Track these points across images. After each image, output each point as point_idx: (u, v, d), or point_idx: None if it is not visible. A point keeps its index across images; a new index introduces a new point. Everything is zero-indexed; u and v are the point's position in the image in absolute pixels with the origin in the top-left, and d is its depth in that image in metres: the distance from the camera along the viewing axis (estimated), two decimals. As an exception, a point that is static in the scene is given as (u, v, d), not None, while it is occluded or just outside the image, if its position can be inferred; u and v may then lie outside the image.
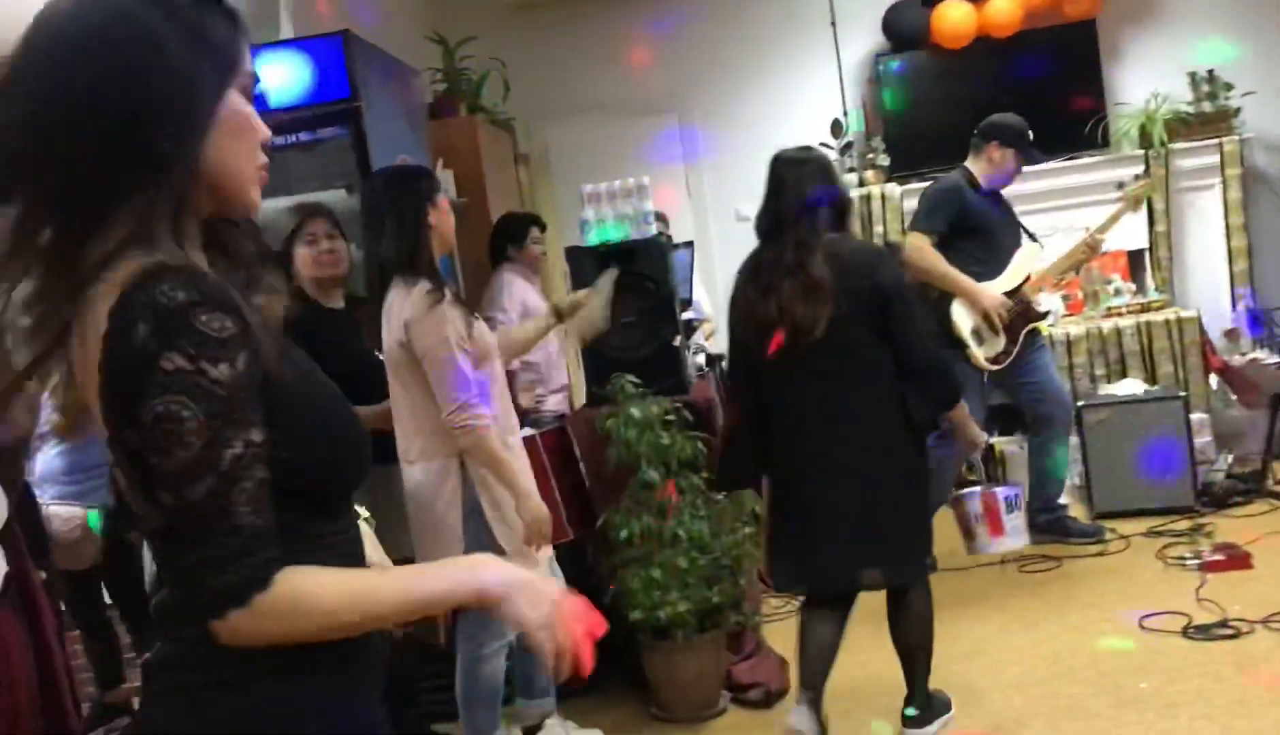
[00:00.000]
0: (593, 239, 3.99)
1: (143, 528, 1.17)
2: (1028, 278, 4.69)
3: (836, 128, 6.60)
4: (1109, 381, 5.67)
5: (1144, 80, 6.38)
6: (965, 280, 4.60)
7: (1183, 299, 6.26)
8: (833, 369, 3.06)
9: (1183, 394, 5.16)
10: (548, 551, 3.20)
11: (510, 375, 3.93)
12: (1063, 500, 4.93)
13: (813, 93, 6.76)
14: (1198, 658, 3.55)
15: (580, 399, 4.27)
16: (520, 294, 4.70)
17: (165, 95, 1.14)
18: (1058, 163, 6.19)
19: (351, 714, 1.25)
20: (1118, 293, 6.11)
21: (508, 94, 6.14)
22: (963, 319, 4.61)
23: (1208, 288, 6.30)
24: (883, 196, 6.42)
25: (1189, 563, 4.36)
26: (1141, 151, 6.26)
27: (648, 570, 3.49)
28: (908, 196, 6.16)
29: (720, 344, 5.58)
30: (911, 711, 3.26)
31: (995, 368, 4.66)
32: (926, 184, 5.01)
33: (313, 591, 1.15)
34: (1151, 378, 5.67)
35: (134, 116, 1.12)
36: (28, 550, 2.53)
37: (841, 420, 3.08)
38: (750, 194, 6.36)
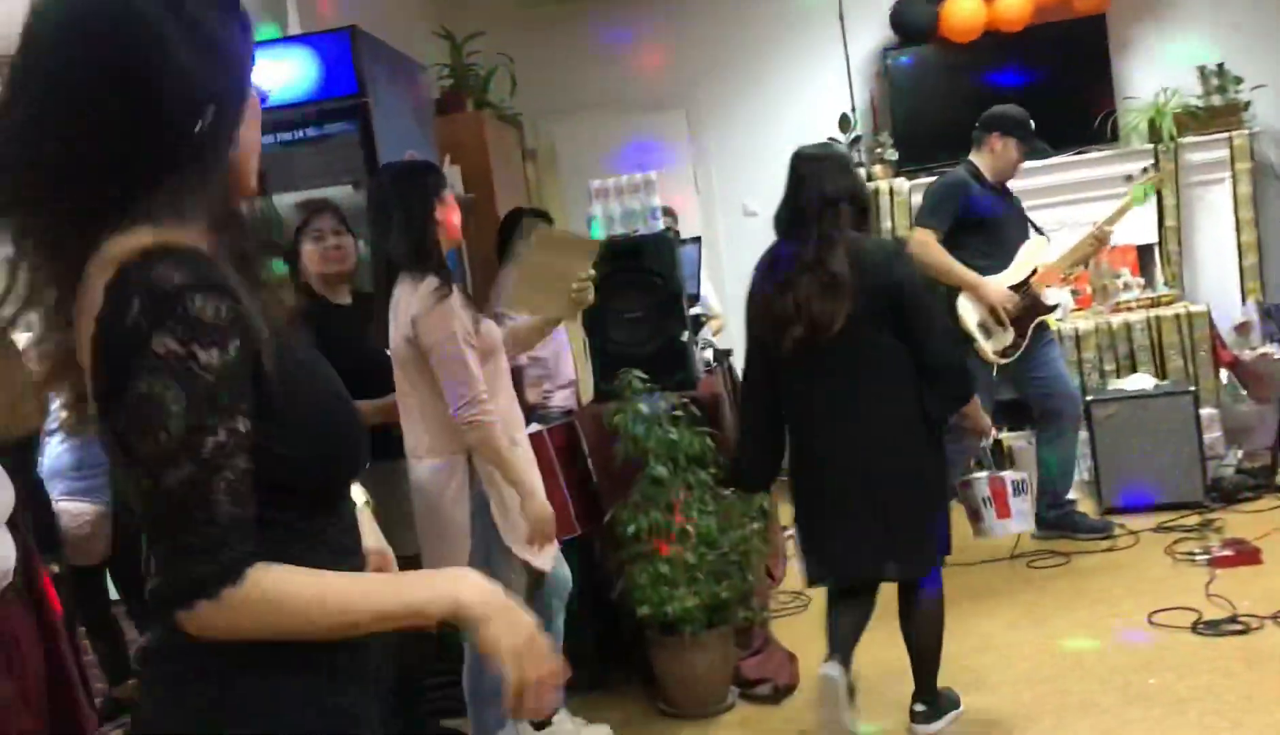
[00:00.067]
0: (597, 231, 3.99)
1: (135, 514, 1.15)
2: (1034, 271, 4.68)
3: (844, 122, 6.59)
4: (1118, 376, 5.65)
5: (1153, 74, 6.36)
6: (970, 275, 4.59)
7: (1192, 293, 6.24)
8: (849, 365, 3.08)
9: (1192, 389, 5.15)
10: (553, 548, 3.20)
11: (518, 371, 3.93)
12: (1071, 496, 4.92)
13: (821, 87, 6.75)
14: (1207, 653, 3.54)
15: (588, 394, 4.26)
16: (528, 289, 4.69)
17: (212, 73, 1.15)
18: (1066, 157, 6.18)
19: (330, 709, 1.21)
20: (1127, 287, 6.08)
21: (515, 89, 6.14)
22: (968, 313, 4.61)
23: (1217, 282, 6.28)
24: (891, 191, 6.41)
25: (1198, 558, 4.34)
26: (1151, 146, 6.24)
27: (655, 565, 3.49)
28: (916, 191, 6.14)
29: (728, 339, 5.60)
30: (920, 707, 3.26)
31: (1003, 361, 4.65)
32: (935, 179, 5.00)
33: (286, 591, 1.13)
34: (1161, 373, 5.65)
35: (175, 95, 1.12)
36: (40, 543, 2.54)
37: (857, 416, 3.10)
38: (758, 189, 6.46)
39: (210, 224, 1.19)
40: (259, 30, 1.26)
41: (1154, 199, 6.13)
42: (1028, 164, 4.85)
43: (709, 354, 4.68)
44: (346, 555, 1.27)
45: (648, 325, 3.97)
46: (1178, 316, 5.76)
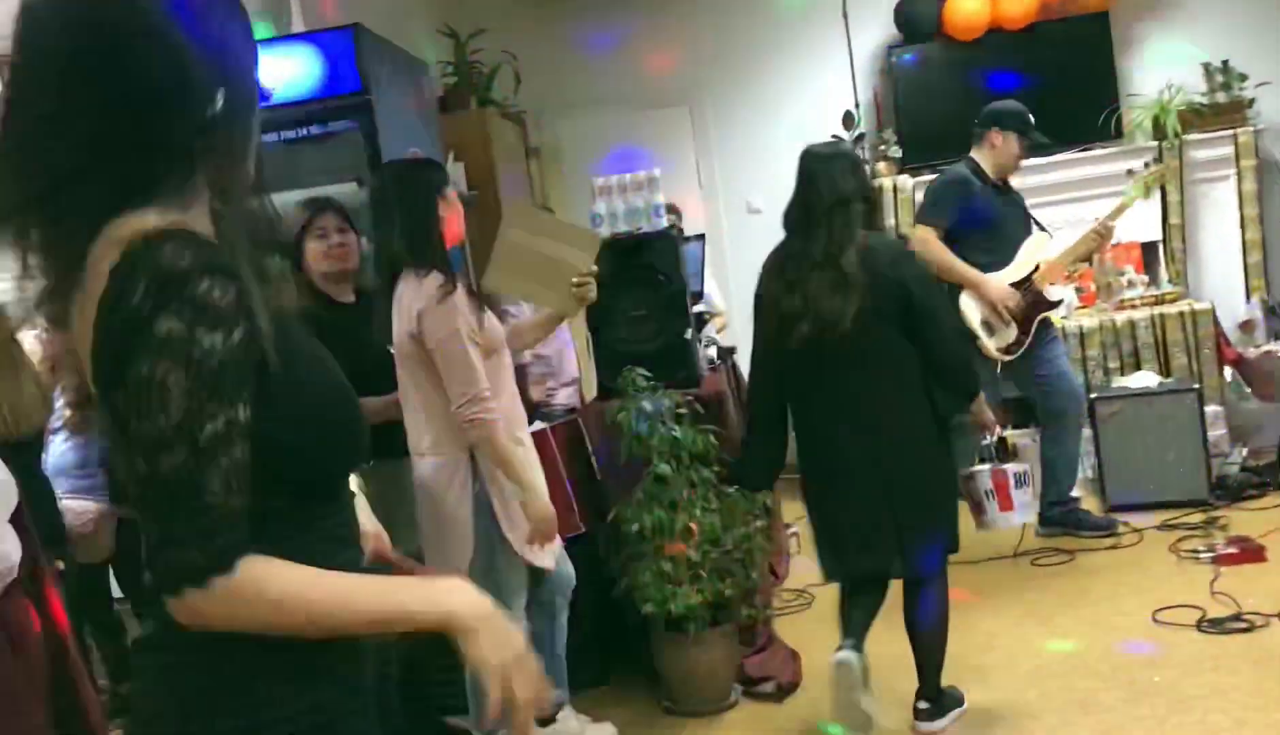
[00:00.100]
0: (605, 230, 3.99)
1: (131, 502, 1.14)
2: (1037, 267, 4.67)
3: (848, 120, 6.57)
4: (1122, 374, 5.64)
5: (1157, 71, 6.34)
6: (971, 272, 4.58)
7: (1197, 291, 6.23)
8: (857, 363, 3.10)
9: (1197, 387, 5.14)
10: (555, 547, 3.20)
11: (522, 368, 3.93)
12: (1075, 493, 4.92)
13: (825, 85, 6.74)
14: (1212, 651, 3.54)
15: (591, 392, 4.26)
16: (531, 287, 4.69)
17: (220, 60, 1.15)
18: (1071, 155, 6.17)
19: (321, 699, 1.20)
20: (1131, 284, 6.07)
21: (518, 87, 6.13)
22: (971, 311, 4.60)
23: (1222, 280, 6.26)
24: (894, 188, 6.40)
25: (1203, 556, 4.34)
26: (1155, 143, 6.22)
27: (659, 563, 3.49)
28: (919, 189, 6.13)
29: (732, 337, 5.59)
30: (924, 704, 3.27)
31: (1007, 358, 4.64)
32: (936, 176, 4.99)
33: (276, 585, 1.11)
34: (1165, 370, 5.64)
35: (181, 81, 1.13)
36: (47, 539, 2.55)
37: (865, 414, 3.12)
38: (761, 186, 6.46)
39: (217, 212, 1.19)
40: (256, 29, 1.27)
41: (1158, 196, 6.12)
42: (1032, 161, 4.84)
43: (712, 352, 4.68)
44: (344, 546, 1.27)
45: (651, 323, 3.97)
46: (1182, 314, 5.75)
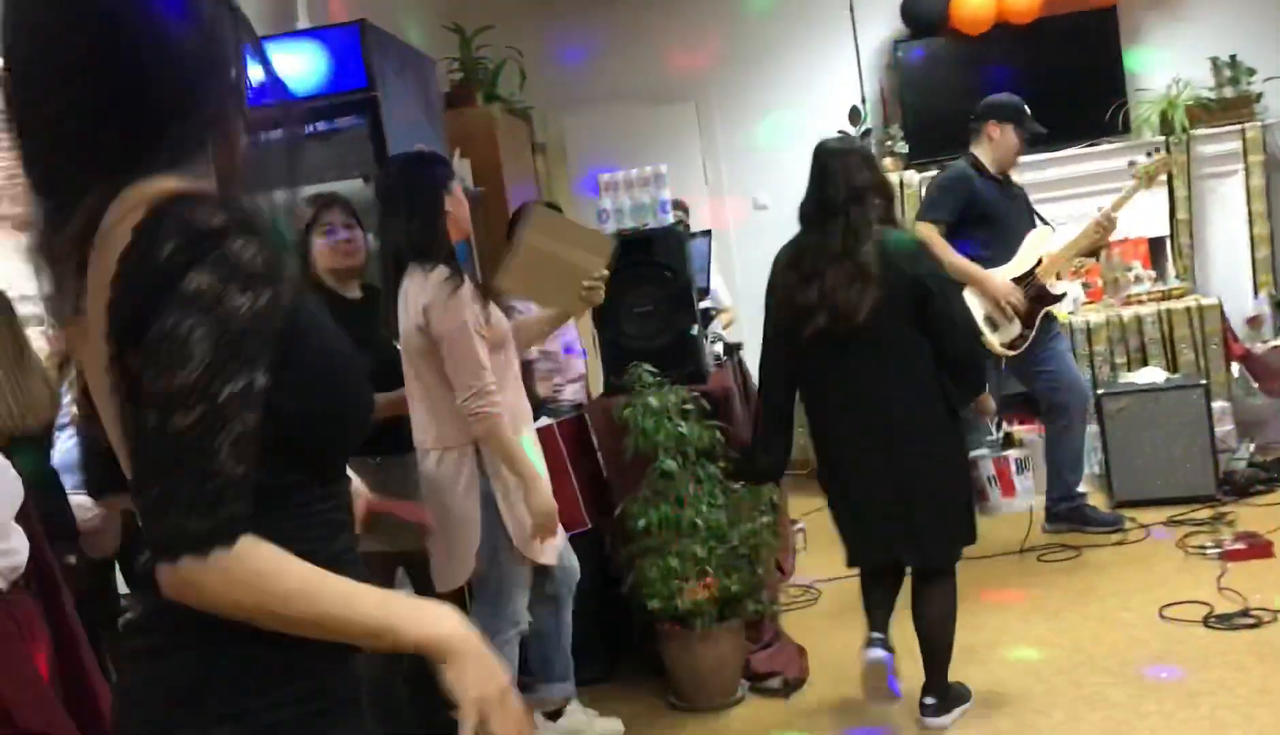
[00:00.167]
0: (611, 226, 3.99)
1: (132, 460, 1.11)
2: (1039, 261, 4.66)
3: (855, 115, 6.57)
4: (1129, 369, 5.63)
5: (1164, 66, 6.33)
6: (974, 268, 4.58)
7: (1204, 286, 6.22)
8: (871, 356, 3.13)
9: (1204, 382, 5.12)
10: (558, 541, 3.20)
11: (528, 364, 3.94)
12: (1082, 489, 4.91)
13: (831, 80, 6.73)
14: (1219, 647, 3.53)
15: (597, 388, 4.26)
16: (537, 283, 4.69)
17: (234, 30, 1.17)
18: (1077, 150, 6.16)
19: (311, 685, 1.19)
20: (1138, 280, 6.06)
21: (524, 83, 6.13)
22: (974, 307, 4.60)
23: (1229, 275, 6.25)
24: (901, 184, 6.39)
25: (1210, 552, 4.33)
26: (1162, 138, 6.21)
27: (665, 559, 3.50)
28: (926, 184, 6.13)
29: (739, 333, 5.59)
30: (930, 699, 3.27)
31: (1011, 353, 4.64)
32: (937, 172, 4.99)
33: (274, 570, 1.08)
34: (1172, 366, 5.64)
35: (193, 49, 1.14)
36: (56, 535, 2.56)
37: (879, 406, 3.15)
38: (767, 182, 6.45)
39: (229, 183, 1.19)
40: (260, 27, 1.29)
41: (1165, 190, 6.11)
42: (1039, 157, 4.83)
43: (719, 348, 4.68)
44: (339, 530, 1.25)
45: (658, 319, 3.97)
46: (1189, 309, 5.74)
